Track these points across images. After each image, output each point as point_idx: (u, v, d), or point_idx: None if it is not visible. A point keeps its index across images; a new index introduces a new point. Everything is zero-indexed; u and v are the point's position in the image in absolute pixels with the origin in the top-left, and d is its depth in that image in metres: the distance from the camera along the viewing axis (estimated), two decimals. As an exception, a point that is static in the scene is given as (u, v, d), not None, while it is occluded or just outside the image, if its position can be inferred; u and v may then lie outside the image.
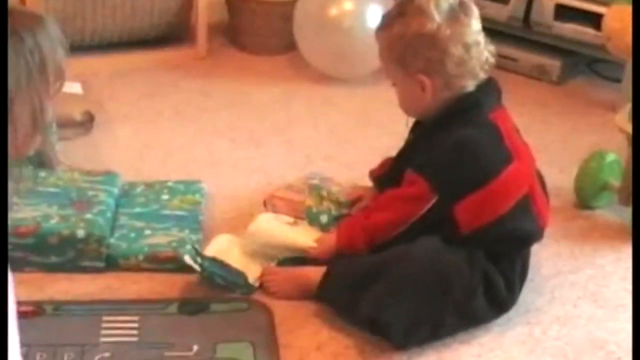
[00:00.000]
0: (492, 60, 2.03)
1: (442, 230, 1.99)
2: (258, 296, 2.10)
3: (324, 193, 2.31)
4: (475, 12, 2.01)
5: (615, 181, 2.53)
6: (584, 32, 3.26)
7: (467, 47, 1.98)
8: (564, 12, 3.27)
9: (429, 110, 2.05)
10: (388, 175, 2.22)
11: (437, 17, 1.96)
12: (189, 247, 2.15)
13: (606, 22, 2.30)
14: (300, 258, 2.16)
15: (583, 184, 2.55)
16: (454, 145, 1.98)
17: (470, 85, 2.02)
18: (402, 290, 1.92)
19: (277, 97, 3.14)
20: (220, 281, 2.09)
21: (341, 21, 3.16)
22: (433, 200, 1.98)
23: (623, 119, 2.43)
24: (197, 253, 2.10)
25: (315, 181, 2.44)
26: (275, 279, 2.10)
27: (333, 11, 3.16)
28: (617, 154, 2.57)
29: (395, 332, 1.92)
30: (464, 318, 2.00)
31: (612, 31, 2.25)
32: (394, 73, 2.06)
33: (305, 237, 2.19)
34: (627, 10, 2.21)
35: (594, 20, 3.22)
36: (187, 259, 2.08)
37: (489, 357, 1.97)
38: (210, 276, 2.10)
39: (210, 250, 2.13)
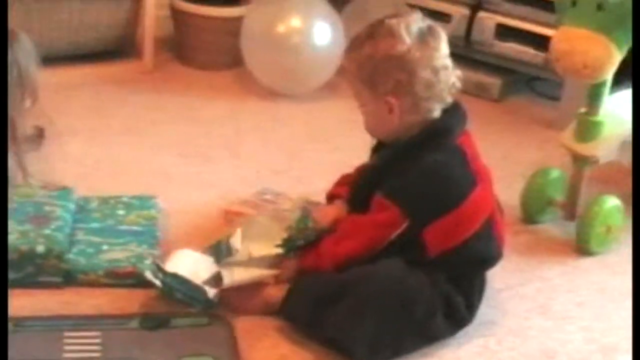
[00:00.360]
0: (458, 84, 2.06)
1: (408, 253, 2.01)
2: (219, 311, 2.11)
3: (310, 224, 2.19)
4: (443, 36, 2.04)
5: (559, 197, 2.61)
6: (524, 51, 3.36)
7: (435, 71, 2.01)
8: (504, 32, 3.37)
9: (395, 132, 2.08)
10: (352, 198, 2.18)
11: (407, 40, 1.99)
12: (148, 262, 2.16)
13: (554, 44, 2.37)
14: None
15: (529, 200, 2.63)
16: (426, 171, 2.01)
17: (437, 109, 2.05)
18: (365, 311, 1.94)
19: (225, 112, 3.17)
20: (180, 296, 2.10)
21: (288, 38, 3.20)
22: (404, 225, 2.00)
23: (568, 136, 2.51)
24: (158, 268, 2.11)
25: (296, 214, 2.24)
26: (235, 294, 2.12)
27: (280, 28, 3.20)
28: (560, 170, 2.66)
29: (358, 353, 1.95)
30: (424, 337, 2.03)
31: (560, 52, 2.33)
32: (362, 94, 2.08)
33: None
34: (575, 32, 2.29)
35: (534, 39, 3.33)
36: (148, 275, 2.09)
37: (446, 369, 2.03)
38: (170, 291, 2.10)
39: (170, 266, 2.14)
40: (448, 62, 2.04)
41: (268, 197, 2.51)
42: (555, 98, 3.42)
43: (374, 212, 2.04)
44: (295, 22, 3.22)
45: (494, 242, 2.11)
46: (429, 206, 2.01)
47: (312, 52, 3.22)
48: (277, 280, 2.11)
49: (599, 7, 2.25)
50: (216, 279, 2.09)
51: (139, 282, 2.14)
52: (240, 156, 2.86)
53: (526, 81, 3.59)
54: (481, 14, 3.38)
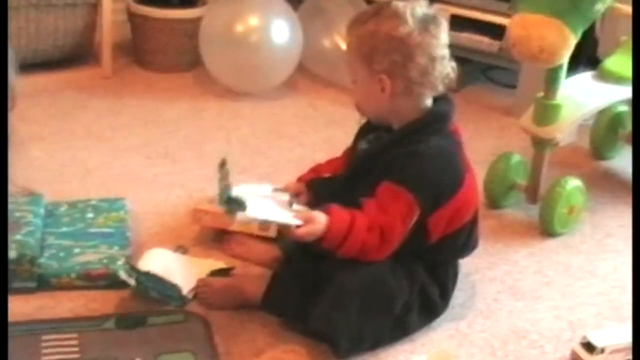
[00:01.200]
0: (453, 75, 2.06)
1: (411, 241, 2.03)
2: (193, 307, 2.13)
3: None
4: (445, 26, 2.05)
5: (521, 181, 2.66)
6: (479, 40, 3.41)
7: (432, 59, 2.00)
8: (459, 22, 3.41)
9: (384, 112, 2.07)
10: (345, 182, 2.13)
11: (411, 23, 1.99)
12: (121, 262, 2.17)
13: (511, 29, 2.41)
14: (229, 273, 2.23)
15: (492, 185, 2.67)
16: (432, 156, 2.00)
17: (429, 96, 2.05)
18: (348, 304, 1.97)
19: (187, 113, 3.19)
20: (154, 294, 2.12)
21: (247, 37, 3.22)
22: (417, 214, 2.00)
23: (527, 120, 2.56)
24: (131, 268, 2.12)
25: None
26: (210, 290, 2.14)
27: (239, 27, 3.22)
28: (521, 154, 2.71)
29: (341, 346, 1.99)
30: (401, 331, 2.07)
31: (516, 38, 2.37)
32: (357, 69, 2.06)
33: (198, 267, 2.24)
34: (530, 17, 2.34)
35: (488, 29, 3.38)
36: (122, 275, 2.10)
37: (421, 352, 2.06)
38: (144, 290, 2.12)
39: (142, 265, 2.16)
40: (446, 52, 2.04)
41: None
42: (511, 86, 3.47)
43: (389, 202, 1.99)
44: (253, 20, 3.24)
45: (477, 229, 2.16)
46: (438, 191, 2.01)
47: (271, 50, 3.24)
48: (299, 233, 1.98)
49: (553, -8, 2.30)
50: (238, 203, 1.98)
51: (113, 283, 2.15)
52: (205, 156, 2.87)
53: (482, 70, 3.65)
54: (436, 5, 3.39)
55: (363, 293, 1.99)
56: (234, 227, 2.35)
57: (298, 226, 1.97)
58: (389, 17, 2.01)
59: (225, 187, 1.98)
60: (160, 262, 2.19)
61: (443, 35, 2.04)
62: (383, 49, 2.00)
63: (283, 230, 2.17)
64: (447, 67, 2.05)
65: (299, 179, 2.24)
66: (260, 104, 3.29)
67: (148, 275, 2.12)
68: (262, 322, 2.09)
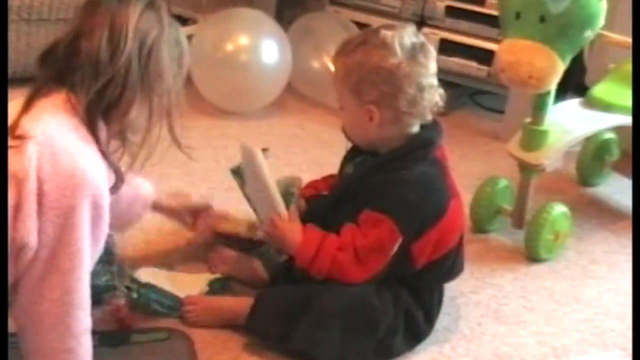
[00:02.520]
0: (441, 103, 2.06)
1: (395, 267, 2.03)
2: (177, 325, 2.12)
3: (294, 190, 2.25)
4: (433, 54, 2.04)
5: (507, 205, 2.67)
6: (468, 65, 3.43)
7: (421, 88, 1.99)
8: (448, 47, 3.43)
9: (372, 140, 2.07)
10: (330, 205, 2.13)
11: (399, 54, 1.97)
12: (106, 278, 2.16)
13: (499, 55, 2.43)
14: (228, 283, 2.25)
15: (478, 209, 2.68)
16: (415, 183, 2.00)
17: (417, 124, 2.04)
18: (331, 324, 1.97)
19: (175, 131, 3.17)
20: (156, 307, 2.12)
21: (236, 56, 3.23)
22: (399, 241, 1.99)
23: (515, 146, 2.57)
24: (133, 281, 2.13)
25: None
26: (195, 309, 2.13)
27: (228, 46, 3.23)
28: (508, 179, 2.72)
29: None
30: (384, 355, 2.06)
31: (505, 63, 2.38)
32: (345, 99, 2.05)
33: (189, 284, 2.24)
34: (520, 43, 2.35)
35: (477, 54, 3.40)
36: (123, 289, 2.10)
37: (404, 375, 2.06)
38: (145, 303, 2.12)
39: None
40: (434, 80, 2.04)
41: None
42: (498, 111, 3.49)
43: (369, 229, 2.00)
44: (243, 40, 3.25)
45: (462, 254, 2.16)
46: (420, 218, 2.00)
47: (261, 69, 3.26)
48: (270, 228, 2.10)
49: (542, 19, 2.32)
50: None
51: (95, 299, 2.14)
52: (192, 174, 2.87)
53: (470, 95, 3.66)
54: (425, 30, 3.44)
55: (346, 313, 1.99)
56: (223, 226, 2.39)
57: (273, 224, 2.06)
58: (377, 47, 1.99)
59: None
60: (152, 277, 2.20)
61: (432, 64, 2.03)
62: (371, 80, 1.99)
63: (267, 231, 2.15)
64: (435, 96, 2.04)
65: (300, 195, 2.24)
66: (248, 123, 3.29)
67: (150, 286, 2.13)
68: (247, 342, 2.08)
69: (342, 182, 2.15)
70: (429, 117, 2.06)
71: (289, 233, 2.05)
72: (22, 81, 3.14)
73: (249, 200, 2.32)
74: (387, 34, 2.00)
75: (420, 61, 2.00)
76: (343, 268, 2.00)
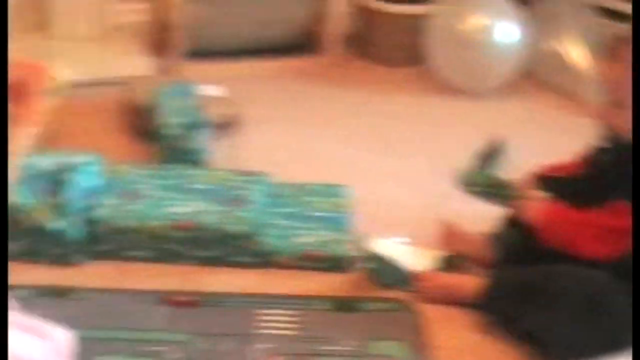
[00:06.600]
0: None
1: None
2: (405, 297, 2.15)
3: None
4: None
5: None
6: None
7: None
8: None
9: None
10: (569, 183, 2.14)
11: None
12: (348, 245, 2.23)
13: None
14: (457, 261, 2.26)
15: None
16: None
17: None
18: (565, 311, 1.94)
19: (407, 108, 3.21)
20: (383, 278, 2.16)
21: (473, 35, 3.21)
22: None
23: None
24: (364, 251, 2.18)
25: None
26: (430, 285, 2.15)
27: (466, 25, 3.21)
28: None
29: (551, 352, 1.95)
30: (611, 349, 1.92)
31: None
32: None
33: (421, 259, 2.25)
34: None
35: None
36: (357, 258, 2.17)
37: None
38: (374, 273, 2.17)
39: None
40: None
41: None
42: None
43: (623, 214, 1.96)
44: (481, 19, 3.22)
45: None
46: None
47: (495, 49, 3.22)
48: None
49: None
50: None
51: (329, 265, 2.20)
52: (427, 152, 2.88)
53: None
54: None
55: (580, 301, 1.94)
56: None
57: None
58: None
59: None
60: (386, 249, 2.23)
61: None
62: None
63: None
64: None
65: (535, 174, 2.22)
66: (478, 104, 3.26)
67: (381, 258, 2.17)
68: (472, 320, 2.08)
69: (596, 169, 2.11)
70: None
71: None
72: (257, 53, 3.29)
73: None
74: None
75: None
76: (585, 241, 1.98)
